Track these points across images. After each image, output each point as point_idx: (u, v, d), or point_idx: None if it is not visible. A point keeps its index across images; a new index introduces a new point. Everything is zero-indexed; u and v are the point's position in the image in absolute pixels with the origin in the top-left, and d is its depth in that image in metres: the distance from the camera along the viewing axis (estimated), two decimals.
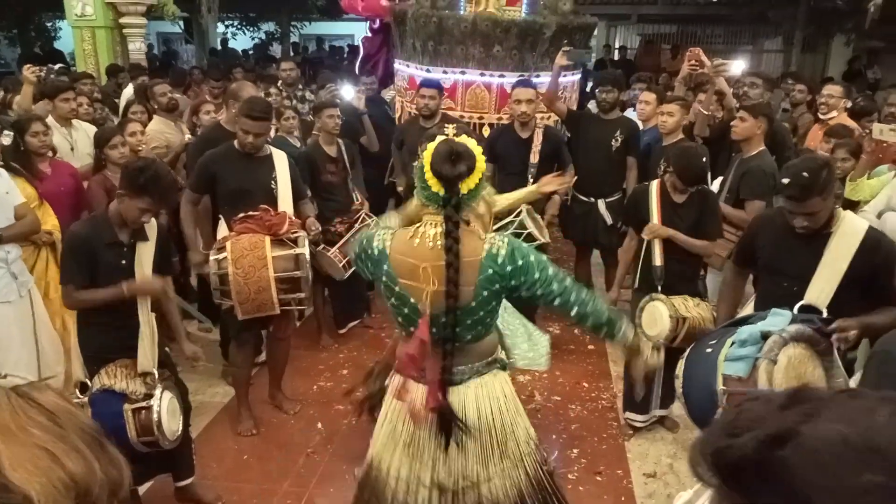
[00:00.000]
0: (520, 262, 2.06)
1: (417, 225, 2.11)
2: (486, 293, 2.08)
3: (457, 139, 2.06)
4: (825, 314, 2.45)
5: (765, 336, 2.34)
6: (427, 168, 2.02)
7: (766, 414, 0.63)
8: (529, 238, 4.10)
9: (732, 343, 2.42)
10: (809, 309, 2.47)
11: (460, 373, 2.19)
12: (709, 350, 2.53)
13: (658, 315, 3.30)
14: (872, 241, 2.47)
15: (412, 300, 2.12)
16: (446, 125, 2.61)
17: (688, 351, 2.68)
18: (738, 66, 5.35)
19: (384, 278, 2.14)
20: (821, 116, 5.02)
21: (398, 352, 2.28)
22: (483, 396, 2.22)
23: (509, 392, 2.30)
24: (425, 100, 4.74)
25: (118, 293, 2.80)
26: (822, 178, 2.43)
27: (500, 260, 2.05)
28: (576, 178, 4.56)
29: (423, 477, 2.23)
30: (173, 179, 3.04)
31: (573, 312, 2.15)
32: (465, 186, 2.00)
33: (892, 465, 0.55)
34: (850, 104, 5.11)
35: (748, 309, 2.85)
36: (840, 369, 2.43)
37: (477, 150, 2.06)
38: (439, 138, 2.09)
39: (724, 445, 0.62)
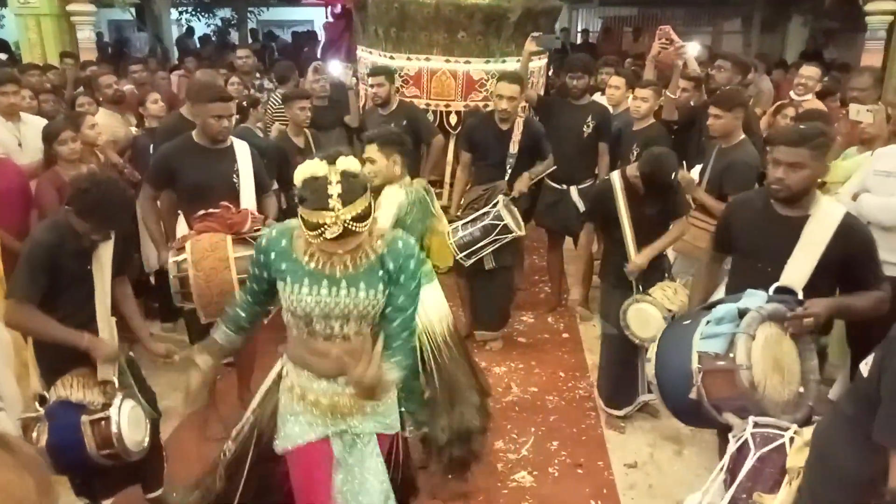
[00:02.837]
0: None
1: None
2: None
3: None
4: (801, 296, 2.43)
5: (742, 313, 2.32)
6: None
7: None
8: (505, 230, 4.02)
9: (708, 322, 2.39)
10: (785, 291, 2.46)
11: None
12: (682, 332, 2.50)
13: (649, 317, 3.27)
14: (847, 228, 2.46)
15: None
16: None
17: (660, 334, 2.65)
18: (693, 47, 5.37)
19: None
20: (794, 97, 5.00)
21: None
22: None
23: None
24: (374, 88, 4.66)
25: (76, 341, 2.60)
26: (818, 136, 2.45)
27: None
28: (555, 167, 4.50)
29: None
30: (123, 199, 2.75)
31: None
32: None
33: None
34: (820, 87, 5.11)
35: (719, 295, 2.82)
36: (813, 353, 2.43)
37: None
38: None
39: None
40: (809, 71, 5.02)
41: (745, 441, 2.01)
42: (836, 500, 1.64)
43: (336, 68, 5.53)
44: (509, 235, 4.03)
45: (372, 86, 4.65)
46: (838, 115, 4.63)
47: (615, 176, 3.54)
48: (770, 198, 2.56)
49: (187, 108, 4.13)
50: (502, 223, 3.96)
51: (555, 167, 4.53)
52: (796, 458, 1.82)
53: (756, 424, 2.07)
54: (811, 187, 2.49)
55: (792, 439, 1.94)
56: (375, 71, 4.75)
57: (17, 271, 2.62)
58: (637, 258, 3.43)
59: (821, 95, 5.19)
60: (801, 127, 2.56)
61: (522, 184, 4.35)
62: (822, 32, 12.14)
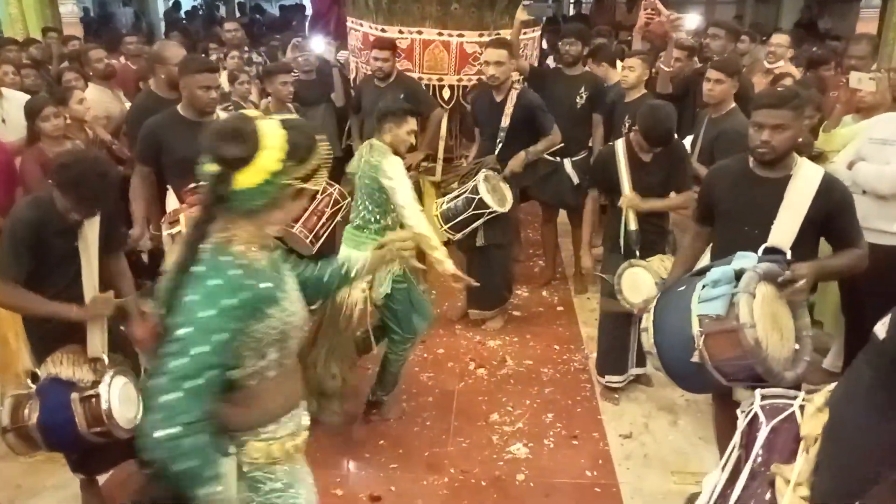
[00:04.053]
0: (185, 301, 1.53)
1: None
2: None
3: (260, 121, 1.57)
4: (789, 255, 2.46)
5: (738, 275, 2.33)
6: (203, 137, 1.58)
7: None
8: (482, 205, 3.96)
9: (704, 286, 2.40)
10: (773, 251, 2.48)
11: None
12: (678, 297, 2.51)
13: (641, 282, 3.26)
14: (828, 185, 2.51)
15: None
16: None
17: (654, 302, 2.64)
18: (692, 19, 5.30)
19: None
20: (767, 65, 5.03)
21: None
22: None
23: None
24: (378, 62, 4.57)
25: (65, 313, 2.56)
26: (797, 97, 2.50)
27: (190, 294, 1.54)
28: (562, 144, 4.42)
29: None
30: (105, 175, 2.62)
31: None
32: (239, 180, 1.53)
33: None
34: (791, 53, 5.18)
35: (704, 262, 2.81)
36: (805, 310, 2.46)
37: (273, 145, 1.53)
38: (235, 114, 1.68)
39: None
40: (779, 38, 5.17)
41: (755, 414, 2.00)
42: (857, 469, 1.60)
43: (318, 44, 5.43)
44: (487, 210, 3.97)
45: (377, 59, 4.56)
46: (836, 83, 4.61)
47: (619, 142, 3.52)
48: (753, 161, 2.58)
49: (155, 83, 4.05)
50: (478, 197, 3.91)
51: (561, 144, 4.43)
52: (811, 425, 1.80)
53: (763, 396, 2.06)
54: (793, 148, 2.52)
55: (802, 407, 1.93)
56: (382, 44, 4.65)
57: (0, 249, 2.56)
58: (632, 194, 3.39)
59: (814, 64, 5.18)
60: (779, 89, 2.59)
61: (516, 163, 4.26)
62: (816, 2, 12.03)
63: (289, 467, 1.78)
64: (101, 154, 3.48)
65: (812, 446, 1.73)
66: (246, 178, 1.54)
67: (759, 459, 1.87)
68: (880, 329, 1.58)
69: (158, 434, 1.45)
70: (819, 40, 8.60)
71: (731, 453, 1.99)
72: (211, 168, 1.56)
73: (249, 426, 1.70)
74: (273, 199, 1.59)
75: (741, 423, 2.00)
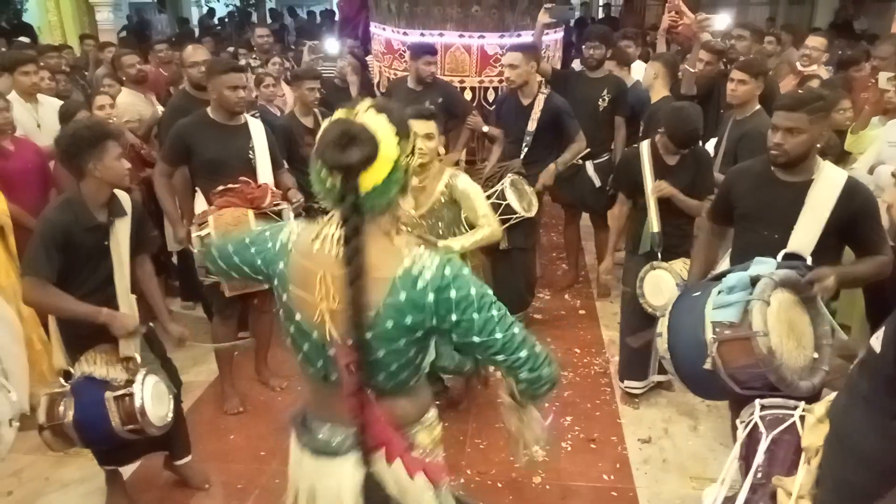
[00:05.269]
0: (452, 294, 1.51)
1: (325, 222, 1.60)
2: (390, 326, 1.52)
3: (359, 116, 1.51)
4: (809, 262, 2.41)
5: (753, 281, 2.30)
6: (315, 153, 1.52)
7: None
8: (509, 210, 3.96)
9: (719, 292, 2.37)
10: (793, 257, 2.43)
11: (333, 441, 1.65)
12: (693, 303, 2.48)
13: (663, 284, 3.25)
14: (851, 190, 2.45)
15: (298, 316, 1.62)
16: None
17: (670, 307, 2.62)
18: (722, 20, 5.21)
19: (276, 282, 1.67)
20: (801, 68, 4.91)
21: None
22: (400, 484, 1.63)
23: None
24: (430, 66, 4.60)
25: (94, 315, 2.62)
26: (816, 100, 2.44)
27: (420, 284, 1.51)
28: (588, 150, 4.40)
29: None
30: (97, 126, 2.70)
31: (521, 374, 1.60)
32: (367, 181, 1.47)
33: None
34: (826, 57, 5.03)
35: (723, 266, 2.78)
36: (826, 317, 2.40)
37: (385, 132, 1.48)
38: (339, 113, 1.55)
39: None
40: (815, 41, 4.96)
41: (756, 425, 1.98)
42: (859, 483, 1.57)
43: (333, 47, 5.46)
44: (514, 216, 3.97)
45: (428, 63, 4.58)
46: (865, 83, 4.52)
47: (644, 144, 3.51)
48: (770, 164, 2.53)
49: (189, 85, 4.16)
50: (505, 203, 3.91)
51: (587, 150, 4.41)
52: (812, 437, 1.77)
53: (763, 407, 2.03)
54: (810, 152, 2.46)
55: (802, 417, 1.90)
56: (430, 49, 4.69)
57: (31, 249, 2.63)
58: (660, 182, 3.35)
59: (845, 64, 5.08)
60: (800, 92, 2.52)
61: (548, 176, 4.23)
62: (852, 2, 11.77)
63: None
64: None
65: (813, 458, 1.70)
66: (372, 177, 1.47)
67: (760, 472, 1.84)
68: (875, 342, 1.55)
69: (545, 369, 1.62)
70: (855, 41, 8.42)
71: (730, 465, 1.96)
72: (334, 180, 1.48)
73: (417, 416, 1.73)
74: (403, 184, 1.55)
75: (741, 434, 1.97)
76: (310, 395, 1.76)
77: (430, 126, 3.02)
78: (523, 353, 1.58)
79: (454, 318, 1.52)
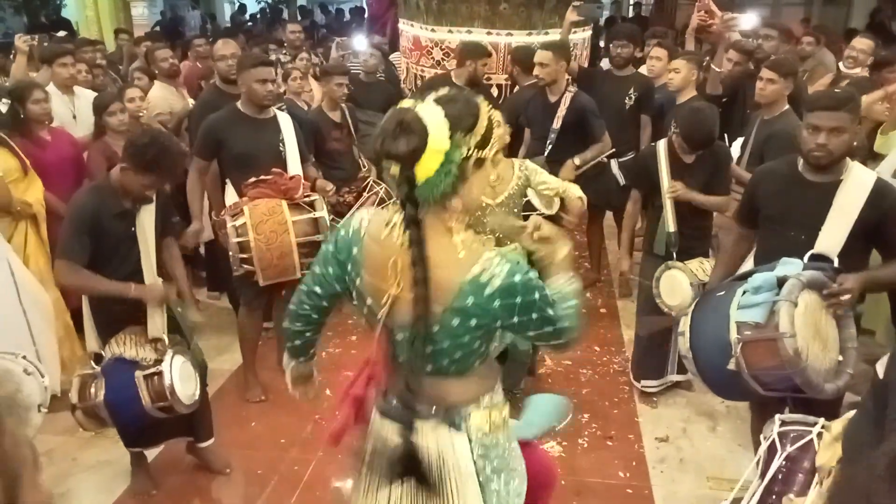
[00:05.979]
0: (517, 300, 1.55)
1: (397, 208, 1.62)
2: (456, 324, 1.57)
3: (418, 107, 1.52)
4: (836, 263, 2.38)
5: (780, 282, 2.27)
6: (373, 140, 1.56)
7: None
8: (529, 207, 3.97)
9: (745, 292, 2.35)
10: (820, 258, 2.40)
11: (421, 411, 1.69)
12: (717, 302, 2.46)
13: (678, 284, 3.23)
14: (881, 191, 2.42)
15: (370, 301, 1.68)
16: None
17: (693, 306, 2.60)
18: (748, 19, 5.16)
19: (349, 266, 1.70)
20: (845, 70, 4.81)
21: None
22: (440, 451, 1.68)
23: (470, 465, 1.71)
24: (485, 68, 4.64)
25: (124, 291, 2.74)
26: (854, 99, 2.42)
27: (488, 291, 1.53)
28: (613, 150, 4.39)
29: None
30: (180, 151, 2.93)
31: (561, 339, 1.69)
32: (420, 172, 1.48)
33: None
34: (872, 60, 4.90)
35: (747, 267, 2.76)
36: (851, 319, 2.38)
37: (438, 125, 1.48)
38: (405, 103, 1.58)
39: None
40: (862, 44, 4.77)
41: (773, 441, 1.97)
42: None
43: (361, 44, 5.53)
44: (535, 213, 3.96)
45: (485, 64, 4.63)
46: None
47: (661, 143, 3.49)
48: (804, 164, 2.50)
49: (219, 79, 4.23)
50: (526, 199, 3.92)
51: (612, 150, 4.40)
52: (826, 456, 1.75)
53: (783, 423, 2.02)
54: (849, 151, 2.44)
55: (820, 434, 1.88)
56: (488, 52, 4.71)
57: (63, 233, 2.77)
58: (675, 183, 3.35)
59: (880, 65, 4.97)
60: (836, 91, 2.49)
61: (566, 172, 4.21)
62: (889, 2, 11.52)
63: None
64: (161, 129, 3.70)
65: (826, 479, 1.68)
66: (425, 168, 1.49)
67: (771, 490, 1.83)
68: (880, 368, 1.53)
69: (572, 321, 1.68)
70: (891, 42, 8.25)
71: (742, 482, 1.95)
72: (394, 170, 1.51)
73: (474, 397, 1.74)
74: (458, 177, 1.53)
75: (762, 450, 1.95)
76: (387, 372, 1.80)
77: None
78: (566, 324, 1.67)
79: (516, 319, 1.58)
